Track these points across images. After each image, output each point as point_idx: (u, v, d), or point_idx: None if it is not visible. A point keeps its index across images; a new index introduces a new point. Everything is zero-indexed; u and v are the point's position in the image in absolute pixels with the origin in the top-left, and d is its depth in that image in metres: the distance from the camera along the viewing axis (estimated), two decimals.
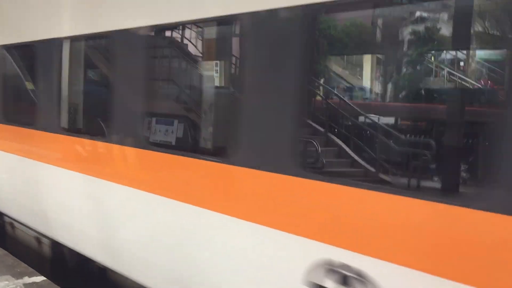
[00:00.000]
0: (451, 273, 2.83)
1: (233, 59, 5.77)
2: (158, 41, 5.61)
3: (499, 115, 2.90)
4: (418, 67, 9.87)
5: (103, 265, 5.82)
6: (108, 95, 5.42)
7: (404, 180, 5.00)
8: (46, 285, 6.08)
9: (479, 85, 9.53)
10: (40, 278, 6.24)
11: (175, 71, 6.32)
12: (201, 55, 6.39)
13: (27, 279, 6.22)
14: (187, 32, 5.97)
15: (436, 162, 5.10)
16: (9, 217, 7.97)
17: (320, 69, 7.64)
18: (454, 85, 10.50)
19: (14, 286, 6.04)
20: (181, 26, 5.57)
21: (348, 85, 11.20)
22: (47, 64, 6.50)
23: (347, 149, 5.92)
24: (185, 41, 6.14)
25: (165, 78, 5.95)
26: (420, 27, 8.11)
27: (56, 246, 6.70)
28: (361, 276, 3.15)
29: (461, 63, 11.00)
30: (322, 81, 8.07)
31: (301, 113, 3.72)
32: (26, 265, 6.74)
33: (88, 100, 6.58)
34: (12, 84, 7.87)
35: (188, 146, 5.25)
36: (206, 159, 4.39)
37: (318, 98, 7.17)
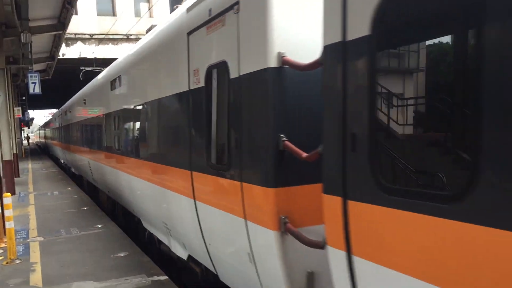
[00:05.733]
0: None
1: None
2: None
3: None
4: None
5: None
6: None
7: None
8: (167, 283, 7.38)
9: None
10: (163, 277, 7.58)
11: None
12: None
13: (156, 278, 7.60)
14: None
15: None
16: None
17: None
18: None
19: (145, 281, 7.45)
20: None
21: None
22: None
23: None
24: None
25: None
26: None
27: None
28: None
29: None
30: None
31: None
32: (158, 268, 8.16)
33: None
34: None
35: None
36: None
37: None
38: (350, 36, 3.12)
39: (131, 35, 28.03)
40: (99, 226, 11.59)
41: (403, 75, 3.07)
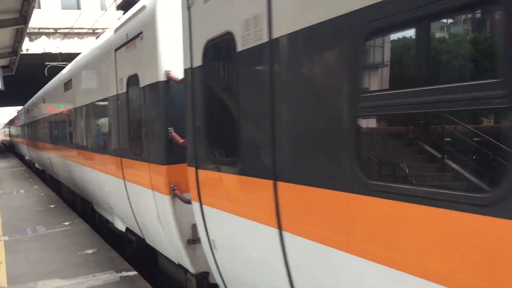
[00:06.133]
0: None
1: None
2: None
3: None
4: None
5: None
6: None
7: None
8: (136, 278, 7.31)
9: None
10: (133, 273, 7.51)
11: None
12: None
13: (124, 273, 7.51)
14: None
15: None
16: None
17: None
18: None
19: (113, 277, 7.36)
20: None
21: None
22: None
23: None
24: None
25: None
26: None
27: None
28: None
29: None
30: None
31: None
32: (128, 264, 8.07)
33: None
34: None
35: None
36: None
37: None
38: (194, 64, 4.86)
39: (97, 29, 27.45)
40: (67, 224, 11.40)
41: (218, 90, 4.78)
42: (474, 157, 2.64)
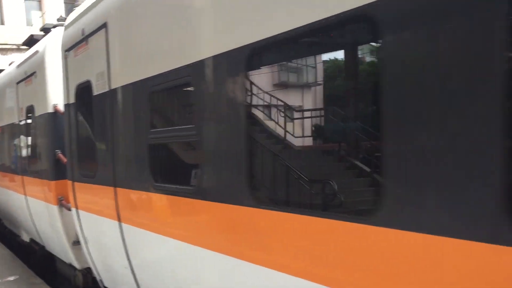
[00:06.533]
0: None
1: None
2: None
3: None
4: None
5: None
6: None
7: None
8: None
9: None
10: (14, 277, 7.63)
11: None
12: None
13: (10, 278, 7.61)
14: None
15: None
16: None
17: None
18: None
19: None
20: None
21: None
22: None
23: None
24: None
25: None
26: None
27: None
28: None
29: None
30: None
31: None
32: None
33: None
34: None
35: None
36: None
37: None
38: (70, 101, 6.43)
39: (22, 44, 26.88)
40: None
41: (84, 122, 6.29)
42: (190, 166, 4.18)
